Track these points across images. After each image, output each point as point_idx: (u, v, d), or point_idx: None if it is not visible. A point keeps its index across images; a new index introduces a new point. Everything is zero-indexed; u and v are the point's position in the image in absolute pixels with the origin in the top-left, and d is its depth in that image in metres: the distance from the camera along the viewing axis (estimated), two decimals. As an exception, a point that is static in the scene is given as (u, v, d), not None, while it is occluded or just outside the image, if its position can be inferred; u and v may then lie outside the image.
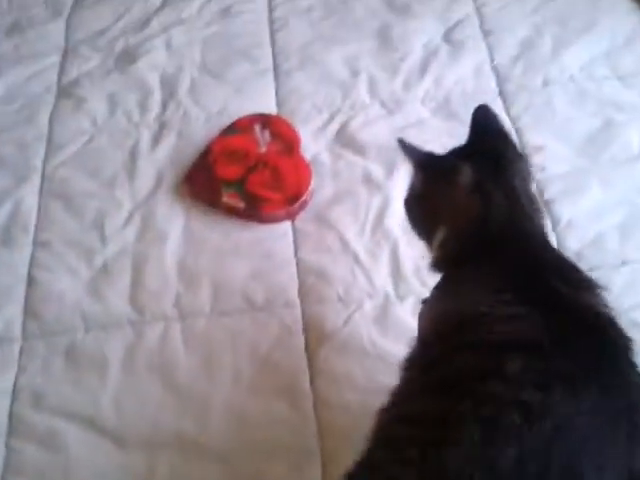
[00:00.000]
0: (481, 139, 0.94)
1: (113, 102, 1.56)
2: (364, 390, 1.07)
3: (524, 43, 1.57)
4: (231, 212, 1.34)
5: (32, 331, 1.21)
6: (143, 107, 1.54)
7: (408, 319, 1.13)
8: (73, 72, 1.64)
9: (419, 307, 0.98)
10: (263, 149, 1.39)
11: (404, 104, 1.48)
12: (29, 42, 1.69)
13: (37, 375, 1.16)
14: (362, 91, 1.51)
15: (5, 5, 1.79)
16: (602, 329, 0.76)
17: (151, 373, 1.15)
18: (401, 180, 1.33)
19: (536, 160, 1.36)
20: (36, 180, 1.42)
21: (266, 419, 1.08)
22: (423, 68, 1.54)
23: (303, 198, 1.32)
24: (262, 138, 1.41)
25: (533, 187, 0.94)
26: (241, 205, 1.33)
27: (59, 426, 1.09)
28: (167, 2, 1.75)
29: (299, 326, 1.17)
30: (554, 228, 1.27)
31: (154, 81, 1.59)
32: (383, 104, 1.49)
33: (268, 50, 1.63)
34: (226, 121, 1.48)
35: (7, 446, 1.08)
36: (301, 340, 1.15)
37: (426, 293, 0.96)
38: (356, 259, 1.24)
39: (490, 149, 0.91)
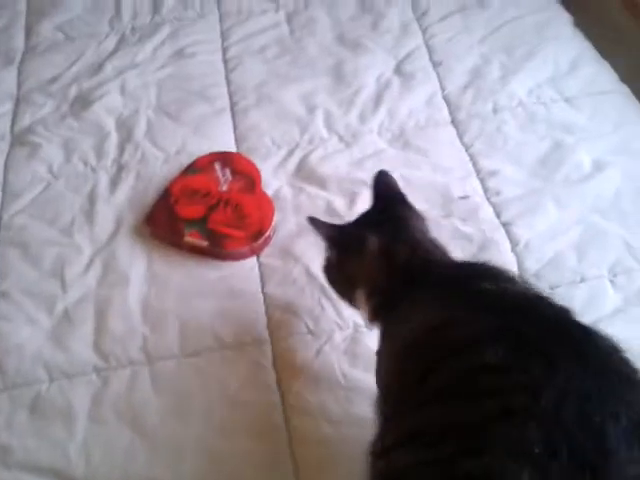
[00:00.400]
0: (382, 204, 1.09)
1: (69, 148, 1.55)
2: (339, 422, 1.06)
3: (473, 72, 1.62)
4: (194, 251, 1.34)
5: (-6, 385, 1.17)
6: (100, 151, 1.53)
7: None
8: (26, 119, 1.62)
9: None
10: (224, 187, 1.40)
11: (361, 136, 1.51)
12: (-20, 91, 1.68)
13: (1, 430, 1.12)
14: (319, 126, 1.53)
15: (-45, 54, 1.77)
16: (542, 305, 0.86)
17: (119, 420, 1.12)
18: (362, 206, 1.35)
19: (491, 184, 1.40)
20: (-8, 230, 1.39)
21: (241, 459, 1.06)
22: (377, 101, 1.57)
23: (267, 234, 1.32)
24: (223, 176, 1.41)
25: (431, 236, 1.07)
26: (204, 244, 1.32)
27: (26, 480, 1.05)
28: (120, 46, 1.76)
29: (269, 362, 1.16)
30: (513, 249, 1.29)
31: (110, 125, 1.59)
32: (340, 138, 1.51)
33: (224, 89, 1.64)
34: (185, 161, 1.48)
35: (-27, 507, 1.04)
36: (272, 376, 1.14)
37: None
38: (323, 291, 1.24)
39: (390, 213, 1.07)
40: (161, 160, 1.51)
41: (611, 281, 1.22)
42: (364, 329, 1.18)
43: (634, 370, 0.76)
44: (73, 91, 1.67)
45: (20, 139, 1.58)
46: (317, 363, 1.15)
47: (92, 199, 1.44)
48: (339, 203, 1.38)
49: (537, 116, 1.51)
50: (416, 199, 1.36)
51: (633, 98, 1.56)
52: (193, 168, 1.45)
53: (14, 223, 1.41)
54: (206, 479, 1.05)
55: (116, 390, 1.15)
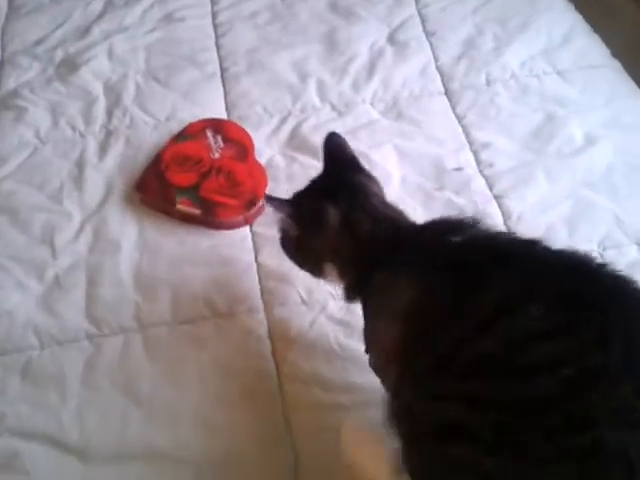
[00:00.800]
0: (335, 169, 1.07)
1: (56, 112, 1.52)
2: (334, 390, 1.07)
3: (466, 43, 1.61)
4: (185, 219, 1.33)
5: (-17, 351, 1.16)
6: (88, 116, 1.51)
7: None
8: (11, 82, 1.59)
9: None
10: (216, 154, 1.38)
11: (354, 106, 1.50)
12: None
13: (-8, 396, 1.11)
14: (312, 94, 1.52)
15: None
16: (536, 249, 0.88)
17: (113, 386, 1.11)
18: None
19: (484, 156, 1.40)
20: (-21, 196, 1.37)
21: (235, 425, 1.06)
22: (370, 70, 1.56)
23: (260, 203, 1.31)
24: (215, 143, 1.40)
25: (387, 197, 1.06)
26: (196, 212, 1.31)
27: (20, 447, 1.05)
28: (108, 9, 1.73)
29: (264, 331, 1.16)
30: (505, 222, 1.30)
31: (98, 89, 1.56)
32: (333, 107, 1.50)
33: (214, 54, 1.62)
34: (175, 127, 1.46)
35: (-34, 472, 1.04)
36: (267, 345, 1.14)
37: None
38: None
39: (344, 179, 1.04)
40: (151, 126, 1.49)
41: (601, 255, 1.23)
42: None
43: None
44: (59, 54, 1.64)
45: (5, 102, 1.55)
46: (312, 333, 1.15)
47: (81, 165, 1.43)
48: (332, 173, 1.37)
49: (530, 89, 1.51)
50: (409, 170, 1.38)
51: (624, 72, 1.56)
52: (184, 135, 1.43)
53: (2, 189, 1.39)
54: (200, 445, 1.05)
55: (109, 357, 1.15)
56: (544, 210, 1.31)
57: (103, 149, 1.45)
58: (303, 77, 1.55)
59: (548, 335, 0.73)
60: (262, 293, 1.21)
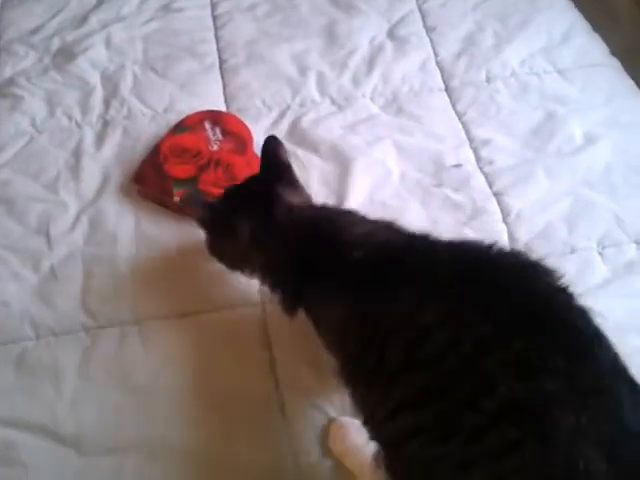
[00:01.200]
0: (265, 177, 1.11)
1: (52, 101, 1.50)
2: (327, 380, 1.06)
3: (466, 39, 1.60)
4: (183, 211, 1.32)
5: (-22, 341, 1.15)
6: (85, 106, 1.49)
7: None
8: (7, 71, 1.57)
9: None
10: (214, 147, 1.37)
11: (354, 100, 1.49)
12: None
13: (-13, 386, 1.10)
14: (311, 88, 1.51)
15: None
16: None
17: (109, 377, 1.11)
18: (355, 174, 1.34)
19: (484, 153, 1.40)
20: (-25, 185, 1.35)
21: (232, 419, 1.06)
22: (370, 64, 1.55)
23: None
24: (213, 136, 1.38)
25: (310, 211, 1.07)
26: (194, 204, 1.30)
27: (14, 438, 1.04)
28: (105, -1, 1.71)
29: (261, 324, 1.16)
30: (504, 220, 1.30)
31: (95, 79, 1.55)
32: (333, 101, 1.49)
33: (213, 46, 1.61)
34: (173, 119, 1.45)
35: (-40, 463, 1.02)
36: (264, 338, 1.14)
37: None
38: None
39: (266, 190, 1.06)
40: (148, 117, 1.48)
41: (600, 253, 1.24)
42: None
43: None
44: (56, 43, 1.62)
45: (1, 91, 1.53)
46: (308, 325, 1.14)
47: (77, 155, 1.41)
48: (332, 168, 1.36)
49: (530, 86, 1.51)
50: (408, 166, 1.37)
51: (623, 72, 1.56)
52: (182, 126, 1.42)
53: (-2, 177, 1.37)
54: (196, 437, 1.05)
55: (105, 349, 1.14)
56: (543, 208, 1.31)
57: (100, 139, 1.44)
58: (303, 70, 1.54)
59: (441, 324, 0.79)
60: (259, 286, 1.20)
